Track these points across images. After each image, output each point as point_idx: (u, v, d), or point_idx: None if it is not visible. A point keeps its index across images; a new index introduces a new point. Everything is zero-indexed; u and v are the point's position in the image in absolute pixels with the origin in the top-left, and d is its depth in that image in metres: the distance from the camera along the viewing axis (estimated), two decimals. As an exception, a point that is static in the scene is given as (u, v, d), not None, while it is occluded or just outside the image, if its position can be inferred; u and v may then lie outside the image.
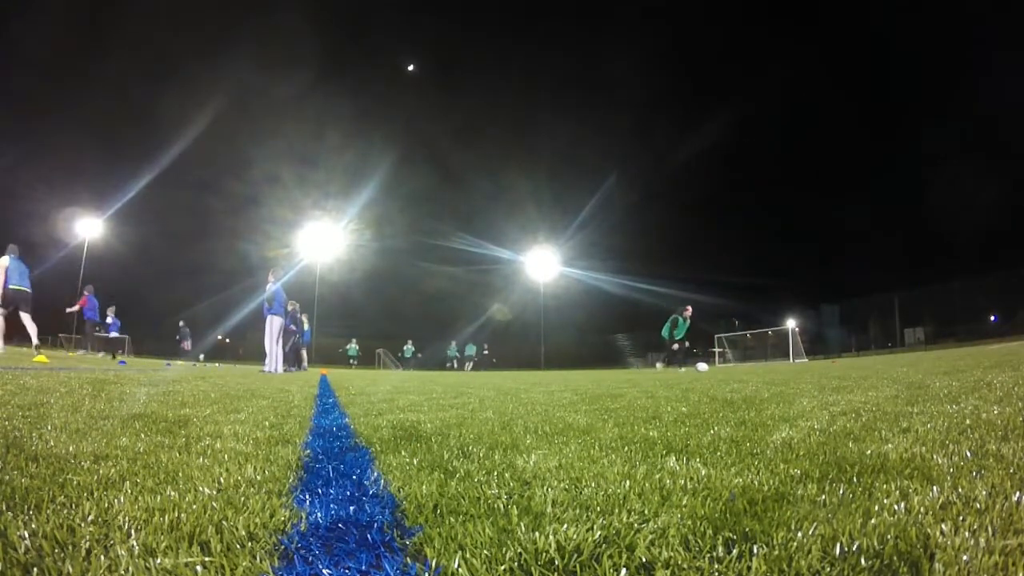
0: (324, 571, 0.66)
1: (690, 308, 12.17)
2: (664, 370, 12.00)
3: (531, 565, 0.66)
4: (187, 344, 19.65)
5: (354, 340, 27.40)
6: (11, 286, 9.60)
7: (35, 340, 10.15)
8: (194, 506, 0.87)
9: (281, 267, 11.17)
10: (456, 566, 0.66)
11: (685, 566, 0.65)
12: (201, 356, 16.56)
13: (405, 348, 29.32)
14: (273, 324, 10.25)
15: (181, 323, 19.67)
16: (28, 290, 9.83)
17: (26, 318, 9.90)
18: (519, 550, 0.70)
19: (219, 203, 39.75)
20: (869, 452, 1.23)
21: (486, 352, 28.96)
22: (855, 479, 1.00)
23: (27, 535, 0.72)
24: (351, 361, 26.70)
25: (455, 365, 27.57)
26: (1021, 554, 0.63)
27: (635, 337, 42.87)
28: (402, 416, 2.38)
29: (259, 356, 11.24)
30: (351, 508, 0.91)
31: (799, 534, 0.71)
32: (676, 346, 12.15)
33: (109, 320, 16.47)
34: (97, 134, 36.80)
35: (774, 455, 1.27)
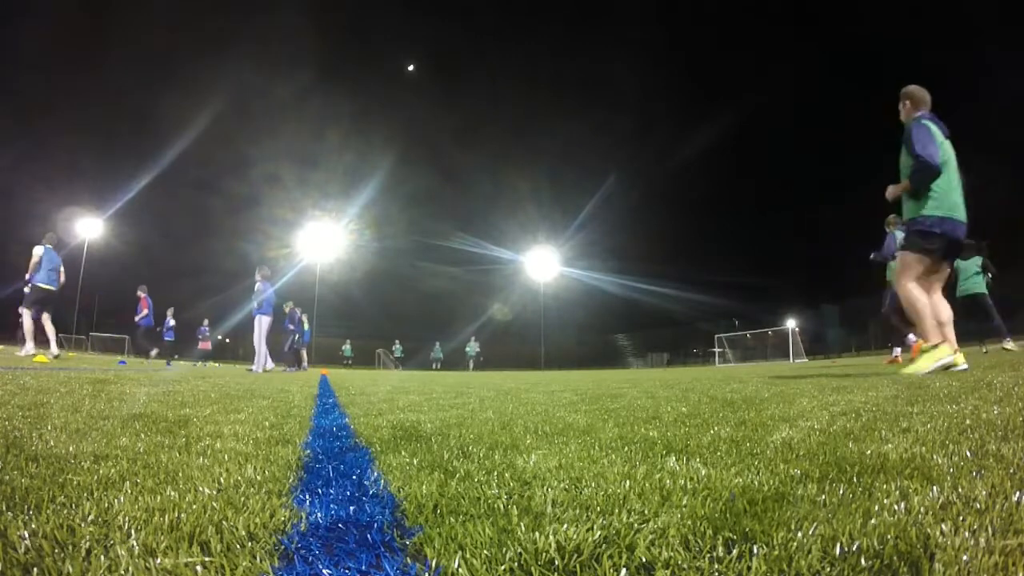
0: (324, 571, 0.66)
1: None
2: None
3: (531, 565, 0.66)
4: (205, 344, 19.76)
5: (348, 341, 28.05)
6: (38, 283, 8.95)
7: (54, 347, 9.34)
8: (194, 506, 0.87)
9: (269, 266, 11.11)
10: (456, 566, 0.66)
11: (685, 566, 0.65)
12: (196, 363, 16.46)
13: (394, 348, 29.80)
14: (262, 324, 10.27)
15: (206, 321, 19.87)
16: (54, 289, 9.17)
17: (46, 319, 9.22)
18: (519, 550, 0.70)
19: (219, 203, 39.84)
20: (869, 452, 1.23)
21: (478, 351, 29.17)
22: (855, 479, 1.00)
23: (27, 535, 0.72)
24: (346, 361, 27.26)
25: (438, 366, 27.95)
26: (1021, 554, 0.63)
27: (635, 337, 42.89)
28: (402, 416, 2.38)
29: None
30: (351, 508, 0.91)
31: (799, 534, 0.71)
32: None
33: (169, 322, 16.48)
34: (97, 134, 36.86)
35: (774, 455, 1.27)
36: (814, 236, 43.16)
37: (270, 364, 10.22)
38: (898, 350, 8.78)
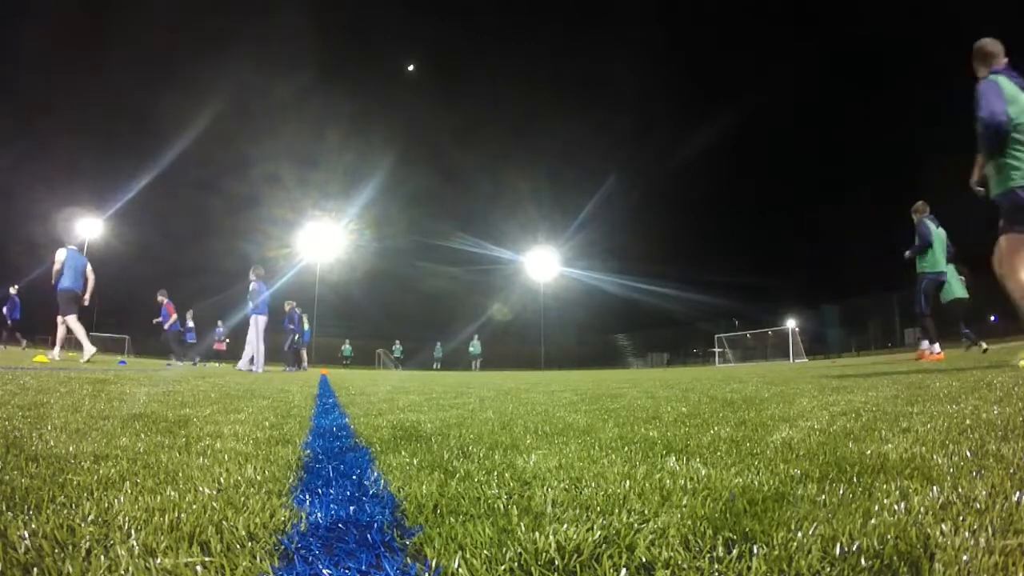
0: (324, 571, 0.66)
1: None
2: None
3: (531, 565, 0.66)
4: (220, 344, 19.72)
5: (348, 341, 28.31)
6: (64, 288, 8.41)
7: (57, 351, 8.83)
8: (194, 506, 0.87)
9: (264, 266, 11.06)
10: (456, 566, 0.66)
11: (685, 566, 0.65)
12: (196, 360, 16.40)
13: (394, 348, 30.03)
14: (259, 324, 10.26)
15: (220, 323, 19.90)
16: (79, 291, 8.59)
17: (60, 321, 8.65)
18: (519, 550, 0.70)
19: (219, 203, 39.76)
20: (869, 452, 1.23)
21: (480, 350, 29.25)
22: (855, 479, 1.00)
23: (27, 535, 0.72)
24: (346, 361, 27.50)
25: (438, 366, 28.16)
26: (1021, 554, 0.63)
27: (635, 337, 42.91)
28: (402, 416, 2.38)
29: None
30: (351, 508, 0.91)
31: (799, 534, 0.71)
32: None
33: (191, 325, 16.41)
34: (97, 134, 36.85)
35: (774, 455, 1.27)
36: (814, 236, 43.22)
37: (244, 365, 10.08)
38: (926, 343, 8.51)
